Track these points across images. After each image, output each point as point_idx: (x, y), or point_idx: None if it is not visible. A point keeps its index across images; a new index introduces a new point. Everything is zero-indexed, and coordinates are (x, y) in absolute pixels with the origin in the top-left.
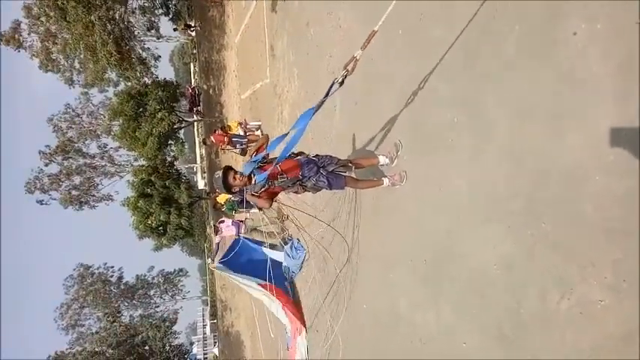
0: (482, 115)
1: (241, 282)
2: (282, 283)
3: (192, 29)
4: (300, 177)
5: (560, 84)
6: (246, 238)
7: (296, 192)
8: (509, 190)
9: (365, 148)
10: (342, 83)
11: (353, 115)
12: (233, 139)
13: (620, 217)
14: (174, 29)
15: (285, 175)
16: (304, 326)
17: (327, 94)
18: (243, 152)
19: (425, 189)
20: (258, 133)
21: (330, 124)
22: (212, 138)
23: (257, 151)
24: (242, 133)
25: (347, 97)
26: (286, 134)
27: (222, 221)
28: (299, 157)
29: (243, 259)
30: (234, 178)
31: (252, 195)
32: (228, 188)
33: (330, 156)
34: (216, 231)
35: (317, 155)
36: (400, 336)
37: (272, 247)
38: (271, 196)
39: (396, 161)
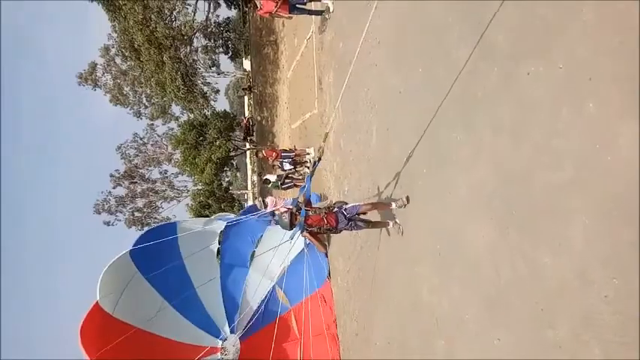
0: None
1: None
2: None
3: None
4: (337, 227)
5: None
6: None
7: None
8: None
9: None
10: (319, 160)
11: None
12: (282, 154)
13: None
14: (242, 93)
15: (328, 225)
16: None
17: (313, 168)
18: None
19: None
20: (310, 151)
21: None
22: (264, 152)
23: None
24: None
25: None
26: (304, 187)
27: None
28: (336, 210)
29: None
30: (296, 217)
31: (310, 235)
32: (292, 225)
33: (354, 206)
34: (265, 205)
35: (345, 208)
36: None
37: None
38: (318, 237)
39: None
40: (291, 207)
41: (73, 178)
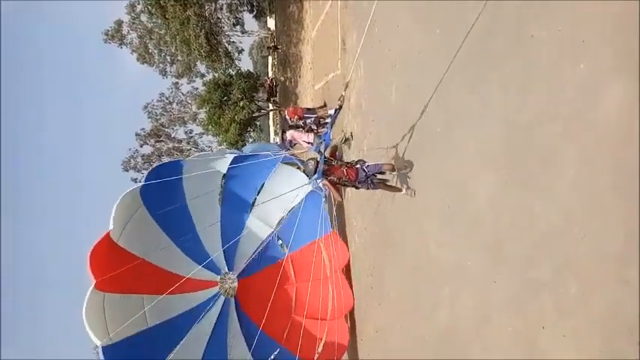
0: None
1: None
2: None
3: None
4: (356, 181)
5: None
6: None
7: (345, 186)
8: None
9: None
10: (340, 108)
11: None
12: (305, 115)
13: None
14: (267, 53)
15: (348, 178)
16: None
17: (334, 119)
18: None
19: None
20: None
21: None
22: (286, 111)
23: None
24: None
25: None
26: (326, 133)
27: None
28: (357, 166)
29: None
30: (317, 165)
31: (330, 183)
32: (316, 172)
33: (376, 165)
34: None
35: (368, 165)
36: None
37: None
38: (337, 187)
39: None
40: (309, 141)
41: (103, 138)
